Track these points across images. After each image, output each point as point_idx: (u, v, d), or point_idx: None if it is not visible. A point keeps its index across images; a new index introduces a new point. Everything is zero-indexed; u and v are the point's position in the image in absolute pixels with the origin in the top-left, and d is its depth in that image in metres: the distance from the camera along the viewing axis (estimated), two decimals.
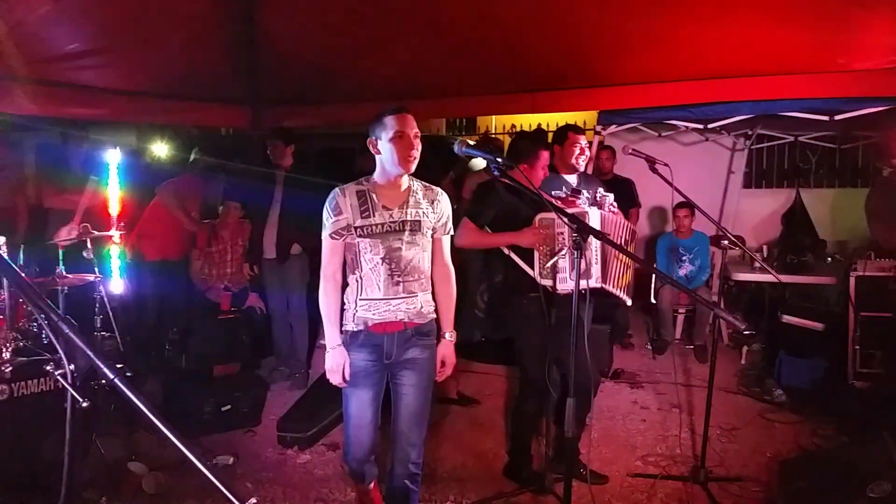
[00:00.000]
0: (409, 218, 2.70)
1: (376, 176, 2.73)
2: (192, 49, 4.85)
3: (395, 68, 5.14)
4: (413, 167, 2.66)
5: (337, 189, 2.71)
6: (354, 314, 2.72)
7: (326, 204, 2.69)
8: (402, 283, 2.69)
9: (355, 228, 2.65)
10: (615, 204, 3.60)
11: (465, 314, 6.28)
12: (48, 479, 3.20)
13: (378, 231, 2.66)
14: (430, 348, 2.81)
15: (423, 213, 2.74)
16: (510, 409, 4.80)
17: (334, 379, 2.73)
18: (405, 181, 2.74)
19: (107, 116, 5.38)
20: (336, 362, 2.71)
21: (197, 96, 5.73)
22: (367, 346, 2.71)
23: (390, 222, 2.67)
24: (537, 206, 3.34)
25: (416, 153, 2.64)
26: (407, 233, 2.69)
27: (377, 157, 2.69)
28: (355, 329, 2.72)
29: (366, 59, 5.10)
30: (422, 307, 2.76)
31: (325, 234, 2.70)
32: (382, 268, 2.66)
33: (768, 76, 4.74)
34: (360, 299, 2.70)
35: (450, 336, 2.90)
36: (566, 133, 3.84)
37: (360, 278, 2.70)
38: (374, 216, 2.66)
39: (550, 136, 4.07)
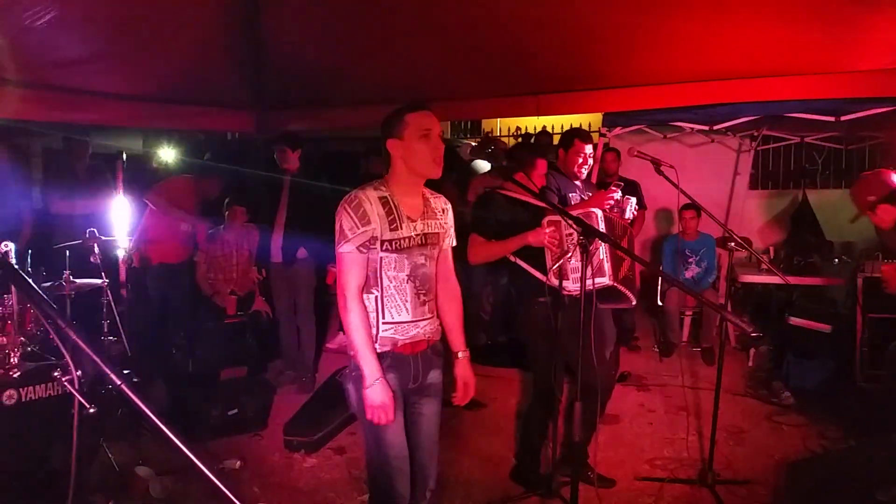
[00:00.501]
0: (430, 231, 2.48)
1: (395, 181, 2.43)
2: (197, 53, 4.86)
3: (399, 71, 5.14)
4: (441, 171, 2.40)
5: (359, 194, 2.35)
6: (377, 335, 2.40)
7: (349, 211, 2.33)
8: (427, 303, 2.47)
9: (382, 242, 2.35)
10: (637, 208, 3.73)
11: (470, 317, 6.26)
12: (56, 484, 3.21)
13: (405, 246, 2.39)
14: (441, 369, 2.61)
15: (440, 224, 2.53)
16: (518, 412, 4.81)
17: (382, 417, 2.34)
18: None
19: (111, 121, 5.39)
20: (382, 398, 2.32)
21: (202, 101, 5.74)
22: (393, 369, 2.42)
23: (415, 235, 2.41)
24: (540, 212, 3.36)
25: (442, 154, 2.40)
26: (429, 247, 2.47)
27: (397, 160, 2.41)
28: (380, 350, 2.39)
29: (370, 63, 5.11)
30: (437, 324, 2.59)
31: (346, 247, 2.33)
32: (408, 286, 2.41)
33: (774, 77, 4.72)
34: (385, 323, 2.40)
35: (463, 355, 2.70)
36: (572, 139, 3.88)
37: (381, 299, 2.39)
38: (401, 229, 2.37)
39: (556, 137, 4.11)
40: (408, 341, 2.44)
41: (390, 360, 2.41)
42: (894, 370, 4.68)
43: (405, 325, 2.42)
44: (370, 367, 2.33)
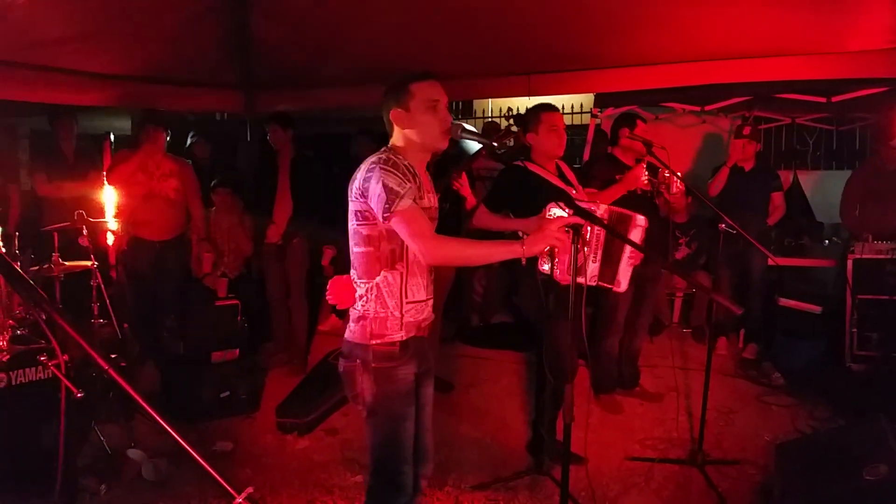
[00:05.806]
0: (434, 205, 2.39)
1: (407, 153, 2.28)
2: (184, 32, 4.79)
3: (388, 51, 5.07)
4: (447, 142, 2.31)
5: (387, 156, 2.21)
6: (402, 320, 2.29)
7: (389, 170, 2.15)
8: (432, 282, 2.41)
9: None
10: (681, 183, 4.07)
11: (462, 299, 6.29)
12: (48, 467, 3.19)
13: (429, 217, 2.29)
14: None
15: (437, 198, 2.45)
16: (508, 394, 4.84)
17: (559, 226, 2.16)
18: None
19: (96, 102, 5.29)
20: (547, 229, 2.14)
21: (188, 81, 5.67)
22: (415, 357, 2.34)
23: (428, 208, 2.30)
24: (553, 195, 3.30)
25: (450, 125, 2.29)
26: (433, 222, 2.36)
27: (403, 132, 2.29)
28: (406, 338, 2.29)
29: (358, 42, 5.05)
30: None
31: (404, 202, 2.12)
32: (425, 262, 2.30)
33: (765, 57, 4.71)
34: (408, 302, 2.29)
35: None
36: (634, 120, 4.51)
37: (405, 276, 2.27)
38: (423, 199, 2.26)
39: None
40: (425, 324, 2.38)
41: (414, 346, 2.32)
42: (884, 351, 4.73)
43: (422, 304, 2.34)
44: (511, 248, 2.16)
